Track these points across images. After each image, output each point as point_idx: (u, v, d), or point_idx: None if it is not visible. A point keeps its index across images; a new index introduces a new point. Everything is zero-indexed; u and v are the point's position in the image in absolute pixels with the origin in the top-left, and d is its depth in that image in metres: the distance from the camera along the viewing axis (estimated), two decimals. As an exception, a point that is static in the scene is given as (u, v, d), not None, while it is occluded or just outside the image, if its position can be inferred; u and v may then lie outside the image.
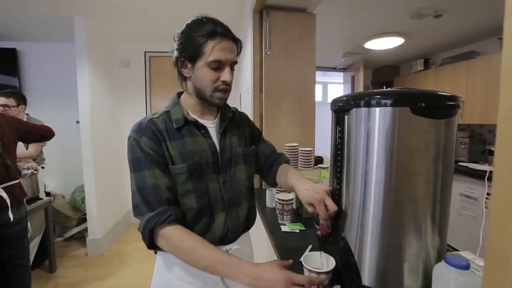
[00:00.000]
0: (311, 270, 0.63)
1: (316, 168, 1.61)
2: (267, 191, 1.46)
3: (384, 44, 3.03)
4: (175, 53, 0.76)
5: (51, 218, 2.39)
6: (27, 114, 2.45)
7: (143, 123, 0.75)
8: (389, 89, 0.60)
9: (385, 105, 0.56)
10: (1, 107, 2.22)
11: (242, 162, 0.87)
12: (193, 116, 0.80)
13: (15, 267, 1.72)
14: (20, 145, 2.32)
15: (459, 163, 2.79)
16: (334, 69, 4.58)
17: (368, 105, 0.59)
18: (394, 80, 4.24)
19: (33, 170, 2.22)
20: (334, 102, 0.67)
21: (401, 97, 0.56)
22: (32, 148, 2.37)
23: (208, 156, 0.79)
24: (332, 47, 3.38)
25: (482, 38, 2.94)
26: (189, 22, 0.75)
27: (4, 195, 1.56)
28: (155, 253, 0.83)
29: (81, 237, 2.95)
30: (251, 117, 1.82)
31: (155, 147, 0.72)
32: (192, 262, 0.68)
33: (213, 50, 0.71)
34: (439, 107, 0.56)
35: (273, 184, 0.99)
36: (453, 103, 0.57)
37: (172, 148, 0.74)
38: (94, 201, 2.68)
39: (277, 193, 1.30)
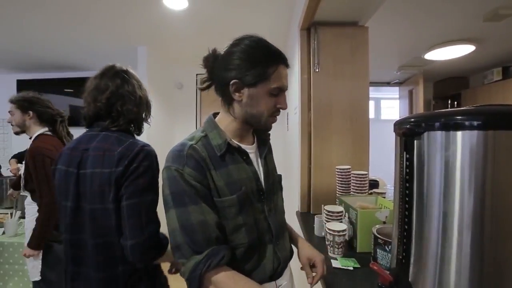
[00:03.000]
0: None
1: (371, 193, 1.43)
2: (315, 217, 1.34)
3: (449, 53, 2.70)
4: (226, 73, 0.68)
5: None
6: None
7: (182, 150, 0.66)
8: (474, 106, 0.48)
9: (472, 127, 0.44)
10: None
11: (280, 189, 0.85)
12: (234, 141, 0.73)
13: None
14: None
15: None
16: (388, 83, 4.26)
17: (446, 127, 0.47)
18: (462, 93, 3.73)
19: None
20: (400, 123, 0.56)
21: (496, 117, 0.43)
22: None
23: (253, 185, 0.72)
24: (386, 60, 3.14)
25: None
26: (247, 42, 0.68)
27: None
28: None
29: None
30: (299, 137, 1.75)
31: (200, 178, 0.64)
32: None
33: (277, 77, 0.68)
34: (556, 130, 0.42)
35: None
36: None
37: (217, 178, 0.66)
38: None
39: (327, 221, 1.17)
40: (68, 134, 1.68)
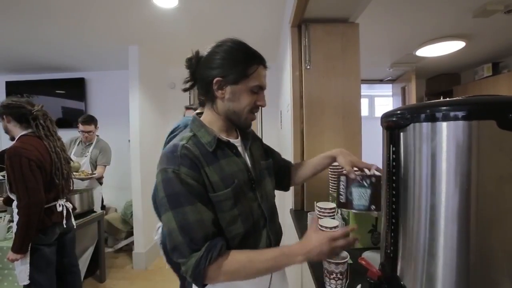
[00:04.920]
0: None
1: (364, 190, 1.43)
2: (308, 214, 1.33)
3: (440, 50, 2.72)
4: (209, 72, 0.73)
5: (103, 231, 2.56)
6: (97, 135, 2.75)
7: (175, 151, 0.68)
8: (462, 97, 0.47)
9: (457, 118, 0.43)
10: (87, 133, 2.58)
11: (267, 175, 0.89)
12: (222, 136, 0.77)
13: (69, 274, 1.84)
14: (86, 164, 2.61)
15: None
16: (381, 81, 4.27)
17: (431, 119, 0.46)
18: (454, 90, 3.76)
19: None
20: (386, 116, 0.55)
21: (482, 107, 0.43)
22: (100, 168, 2.65)
23: (244, 176, 0.76)
24: (378, 57, 3.15)
25: None
26: (229, 43, 0.74)
27: (70, 205, 1.74)
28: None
29: (129, 250, 3.11)
30: (292, 134, 1.74)
31: (196, 176, 0.66)
32: (253, 274, 0.66)
33: (257, 76, 0.73)
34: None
35: (287, 187, 1.08)
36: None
37: (211, 174, 0.69)
38: (140, 216, 2.81)
39: (319, 218, 1.16)
40: (49, 132, 1.58)
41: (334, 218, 1.14)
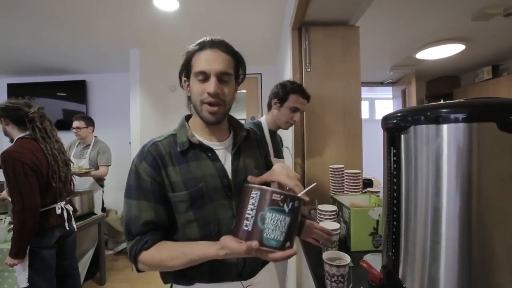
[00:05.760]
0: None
1: (365, 192, 1.43)
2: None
3: (440, 53, 2.73)
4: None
5: (103, 233, 2.56)
6: (95, 137, 2.75)
7: (145, 146, 0.72)
8: (463, 99, 0.47)
9: (458, 120, 0.44)
10: (75, 129, 2.58)
11: None
12: (200, 138, 0.74)
13: (69, 277, 1.83)
14: (86, 166, 2.61)
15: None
16: (381, 83, 4.29)
17: (432, 121, 0.46)
18: (454, 92, 3.77)
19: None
20: (387, 119, 0.55)
21: (482, 109, 0.43)
22: (103, 168, 2.64)
23: (216, 181, 0.71)
24: (378, 60, 3.17)
25: None
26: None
27: (70, 208, 1.73)
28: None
29: (129, 252, 3.10)
30: (291, 137, 1.74)
31: (153, 174, 0.68)
32: (169, 269, 0.68)
33: (199, 61, 0.70)
34: (540, 121, 0.42)
35: None
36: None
37: (175, 173, 0.69)
38: (140, 218, 2.80)
39: (320, 220, 1.16)
40: (46, 134, 1.55)
41: (335, 221, 1.14)
